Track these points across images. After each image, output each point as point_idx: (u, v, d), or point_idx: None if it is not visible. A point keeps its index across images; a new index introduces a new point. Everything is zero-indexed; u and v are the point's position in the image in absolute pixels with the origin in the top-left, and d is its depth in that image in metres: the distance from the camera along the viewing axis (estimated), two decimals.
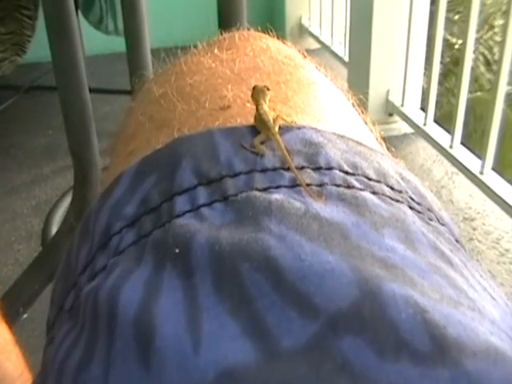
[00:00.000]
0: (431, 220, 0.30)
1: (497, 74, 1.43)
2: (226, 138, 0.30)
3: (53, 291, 0.32)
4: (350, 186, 0.28)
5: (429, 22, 1.80)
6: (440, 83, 1.76)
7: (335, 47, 2.35)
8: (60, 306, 0.30)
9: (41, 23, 1.40)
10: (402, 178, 0.31)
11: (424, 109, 1.79)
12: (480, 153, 1.54)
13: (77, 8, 2.00)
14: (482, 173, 1.51)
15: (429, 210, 0.31)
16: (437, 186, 1.64)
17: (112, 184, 0.30)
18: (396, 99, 1.89)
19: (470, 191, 1.60)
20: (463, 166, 1.57)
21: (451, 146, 1.63)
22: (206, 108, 0.34)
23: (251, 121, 0.32)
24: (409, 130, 1.89)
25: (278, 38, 0.45)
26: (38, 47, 1.77)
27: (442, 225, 0.31)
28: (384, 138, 0.39)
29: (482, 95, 2.99)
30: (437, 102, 1.75)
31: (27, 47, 2.17)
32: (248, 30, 0.45)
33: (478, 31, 1.54)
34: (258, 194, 0.27)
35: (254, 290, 0.23)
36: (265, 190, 0.28)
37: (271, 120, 0.31)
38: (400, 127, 1.92)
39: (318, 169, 0.29)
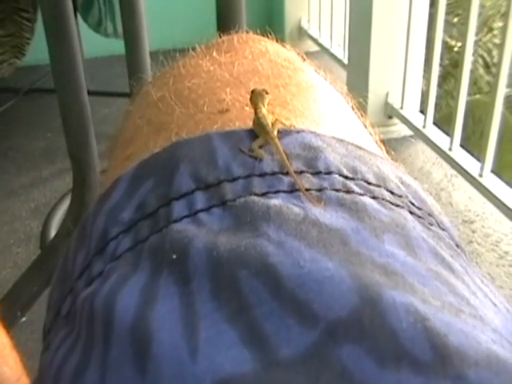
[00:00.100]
0: (432, 225, 0.29)
1: (496, 76, 1.43)
2: (225, 142, 0.30)
3: (49, 296, 0.31)
4: (349, 191, 0.28)
5: (428, 25, 1.80)
6: (439, 86, 1.76)
7: (334, 50, 2.35)
8: (57, 311, 0.30)
9: (40, 26, 1.40)
10: (402, 183, 0.31)
11: (423, 111, 1.79)
12: (479, 155, 1.54)
13: (76, 11, 2.00)
14: (481, 175, 1.51)
15: (429, 214, 0.30)
16: (436, 188, 1.64)
17: (109, 188, 0.30)
18: (395, 102, 1.89)
19: (469, 194, 1.60)
20: (462, 168, 1.57)
21: (450, 149, 1.63)
22: (205, 111, 0.34)
23: (250, 124, 0.32)
24: (408, 132, 1.89)
25: (277, 40, 0.44)
26: (37, 50, 1.77)
27: (443, 230, 0.30)
28: (383, 141, 0.39)
29: (481, 98, 2.98)
30: (436, 105, 1.75)
31: (26, 50, 2.17)
32: (247, 32, 0.44)
33: (477, 34, 1.54)
34: (256, 198, 0.27)
35: (251, 297, 0.23)
36: (263, 194, 0.27)
37: (270, 124, 0.31)
38: (399, 130, 1.92)
39: (317, 173, 0.29)
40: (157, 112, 0.36)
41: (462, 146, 1.63)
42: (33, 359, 0.30)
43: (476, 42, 1.56)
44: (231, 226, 0.26)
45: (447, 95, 3.00)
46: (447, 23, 1.75)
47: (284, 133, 0.31)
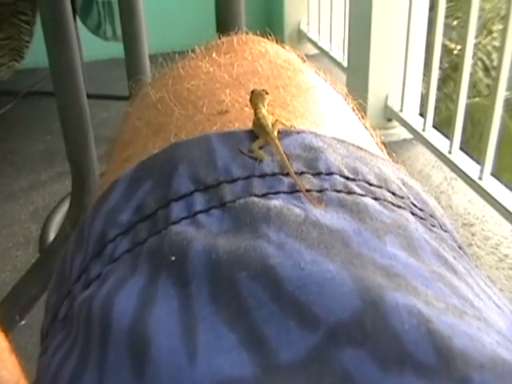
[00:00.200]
0: (434, 226, 0.29)
1: (496, 79, 1.43)
2: (224, 143, 0.30)
3: (47, 299, 0.31)
4: (350, 192, 0.28)
5: (428, 28, 1.80)
6: (439, 89, 1.76)
7: (334, 52, 2.35)
8: (54, 314, 0.29)
9: (39, 28, 1.40)
10: (404, 184, 0.30)
11: (423, 114, 1.79)
12: (478, 158, 1.54)
13: (75, 14, 2.00)
14: (480, 178, 1.51)
15: (431, 216, 0.30)
16: (436, 191, 1.64)
17: (107, 190, 0.30)
18: (395, 105, 1.89)
19: (468, 197, 1.60)
20: (462, 171, 1.57)
21: (450, 152, 1.63)
22: (204, 113, 0.34)
23: (249, 125, 0.32)
24: (408, 135, 1.89)
25: (276, 41, 0.44)
26: (36, 53, 1.77)
27: (445, 231, 0.30)
28: (383, 144, 0.38)
29: (480, 101, 2.99)
30: (435, 108, 1.75)
31: (25, 53, 2.17)
32: (246, 33, 0.44)
33: (476, 36, 1.54)
34: (256, 200, 0.27)
35: (251, 300, 0.22)
36: (263, 196, 0.27)
37: (270, 124, 0.31)
38: (399, 133, 1.91)
39: (317, 174, 0.28)
40: (156, 113, 0.36)
41: (461, 148, 1.63)
42: (32, 362, 0.30)
43: (475, 45, 1.55)
44: (230, 227, 0.26)
45: (447, 98, 3.00)
46: (447, 26, 1.75)
47: (284, 133, 0.31)
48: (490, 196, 1.46)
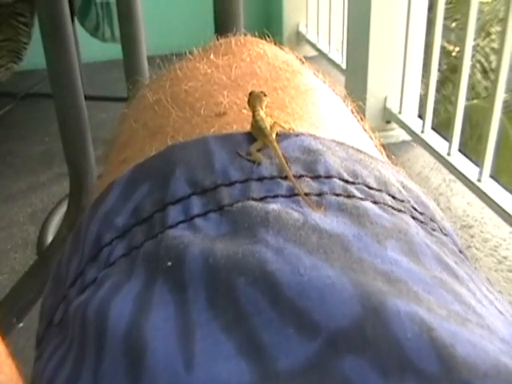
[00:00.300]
0: (434, 230, 0.29)
1: (494, 81, 1.43)
2: (222, 146, 0.29)
3: (42, 303, 0.31)
4: (350, 196, 0.27)
5: (426, 30, 1.80)
6: (437, 90, 1.76)
7: (332, 54, 2.35)
8: (49, 319, 0.29)
9: (37, 30, 1.40)
10: (404, 187, 0.30)
11: (422, 116, 1.78)
12: (477, 160, 1.54)
13: (73, 15, 1.99)
14: (479, 180, 1.51)
15: (431, 219, 0.30)
16: (434, 193, 1.64)
17: (103, 193, 0.29)
18: (394, 106, 1.88)
19: (467, 199, 1.60)
20: (461, 173, 1.57)
21: (449, 154, 1.63)
22: (201, 115, 0.34)
23: (247, 128, 0.31)
24: (406, 137, 1.89)
25: (275, 43, 0.44)
26: (35, 54, 1.77)
27: (445, 235, 0.30)
28: (382, 146, 0.38)
29: (479, 103, 2.99)
30: (434, 110, 1.75)
31: (23, 54, 2.17)
32: (245, 35, 0.44)
33: (474, 38, 1.54)
34: (254, 203, 0.26)
35: (249, 306, 0.22)
36: (261, 199, 0.27)
37: (268, 127, 0.30)
38: (398, 134, 1.91)
39: (316, 177, 0.28)
40: (153, 115, 0.36)
41: (460, 150, 1.63)
42: (29, 366, 0.30)
43: (474, 47, 1.55)
44: (228, 231, 0.25)
45: (445, 100, 3.01)
46: (445, 28, 1.75)
47: (283, 136, 0.31)
48: (489, 198, 1.46)
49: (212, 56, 0.40)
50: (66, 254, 0.30)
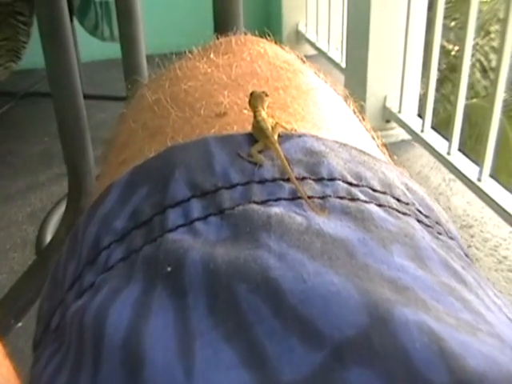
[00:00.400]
0: (440, 234, 0.28)
1: (494, 81, 1.43)
2: (222, 147, 0.29)
3: (39, 306, 0.30)
4: (354, 199, 0.27)
5: (426, 29, 1.79)
6: (436, 90, 1.76)
7: (332, 53, 2.34)
8: (46, 323, 0.28)
9: (36, 29, 1.39)
10: (408, 189, 0.29)
11: (421, 115, 1.78)
12: (476, 159, 1.54)
13: (72, 14, 1.99)
14: (479, 180, 1.50)
15: (437, 223, 0.29)
16: (434, 193, 1.64)
17: (101, 195, 0.29)
18: (393, 106, 1.88)
19: (467, 198, 1.59)
20: (461, 172, 1.57)
21: (449, 153, 1.63)
22: (201, 115, 0.33)
23: (249, 128, 0.31)
24: (406, 136, 1.88)
25: (275, 42, 0.43)
26: (34, 53, 1.76)
27: (451, 238, 0.29)
28: (384, 146, 0.38)
29: (478, 102, 2.99)
30: (433, 109, 1.75)
31: (22, 53, 2.16)
32: (245, 34, 0.43)
33: (474, 38, 1.53)
34: (256, 207, 0.26)
35: (251, 315, 0.21)
36: (263, 202, 0.26)
37: (270, 127, 0.30)
38: (397, 134, 1.91)
39: (319, 180, 0.27)
40: (152, 115, 0.35)
41: (460, 150, 1.63)
42: (28, 366, 0.29)
43: (473, 46, 1.55)
44: (229, 236, 0.25)
45: (444, 99, 3.00)
46: (444, 27, 1.74)
47: (285, 137, 0.30)
48: (489, 197, 1.46)
49: (212, 55, 0.40)
50: (63, 257, 0.29)
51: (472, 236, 1.47)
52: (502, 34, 1.38)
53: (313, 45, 2.51)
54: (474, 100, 3.00)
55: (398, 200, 0.28)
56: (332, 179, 0.27)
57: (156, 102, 0.36)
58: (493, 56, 3.13)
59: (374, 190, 0.28)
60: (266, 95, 0.32)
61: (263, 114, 0.31)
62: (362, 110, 0.40)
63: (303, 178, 0.27)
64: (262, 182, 0.27)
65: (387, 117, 1.91)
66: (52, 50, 1.21)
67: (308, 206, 0.26)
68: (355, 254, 0.24)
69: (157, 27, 2.23)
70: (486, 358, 0.20)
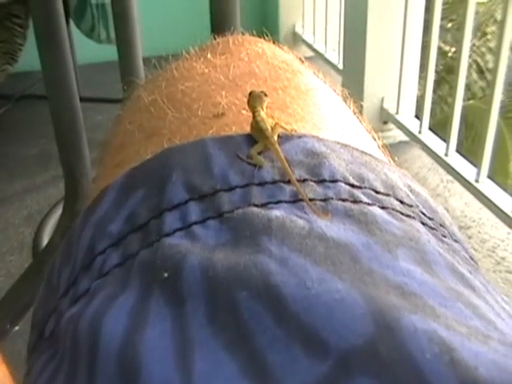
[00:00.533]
0: (445, 237, 0.27)
1: (492, 81, 1.43)
2: (220, 148, 0.28)
3: (33, 313, 0.29)
4: (356, 201, 0.26)
5: (423, 30, 1.79)
6: (433, 91, 1.76)
7: (329, 55, 2.34)
8: (41, 330, 0.27)
9: (32, 32, 1.39)
10: (411, 191, 0.29)
11: (419, 117, 1.78)
12: (473, 160, 1.54)
13: (68, 17, 1.98)
14: (477, 181, 1.50)
15: (441, 225, 0.28)
16: (432, 194, 1.62)
17: (97, 198, 0.28)
18: (391, 107, 1.88)
19: (465, 199, 1.59)
20: (458, 174, 1.57)
21: (446, 154, 1.63)
22: (199, 116, 0.32)
23: (247, 129, 0.30)
24: (404, 137, 1.88)
25: (273, 42, 0.43)
26: (30, 56, 1.76)
27: (456, 241, 0.28)
28: (384, 147, 0.37)
29: (475, 103, 2.99)
30: (430, 110, 1.75)
31: (18, 56, 2.16)
32: (242, 34, 0.43)
33: (471, 39, 1.53)
34: (256, 210, 0.25)
35: (252, 323, 0.20)
36: (263, 205, 0.25)
37: (269, 128, 0.29)
38: (395, 135, 1.91)
39: (321, 182, 0.27)
40: (148, 117, 0.34)
41: (457, 151, 1.63)
42: (25, 369, 0.28)
43: (470, 47, 1.55)
44: (229, 240, 0.24)
45: (441, 101, 3.01)
46: (441, 28, 1.74)
47: (285, 138, 0.29)
48: (487, 198, 1.46)
49: (209, 55, 0.39)
50: (57, 262, 0.28)
51: (470, 237, 1.47)
52: (500, 36, 1.38)
53: (310, 46, 2.51)
54: (471, 101, 3.01)
55: (402, 202, 0.27)
56: (334, 181, 0.27)
57: (152, 102, 0.35)
58: (489, 57, 3.14)
59: (377, 192, 0.27)
60: (265, 95, 0.32)
61: (262, 114, 0.30)
62: (360, 110, 0.39)
63: (304, 180, 0.27)
64: (261, 184, 0.26)
65: (385, 118, 1.91)
66: (48, 53, 1.20)
67: (310, 208, 0.25)
68: (359, 258, 0.23)
69: (153, 29, 2.22)
70: (498, 367, 0.19)
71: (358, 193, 0.26)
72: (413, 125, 1.80)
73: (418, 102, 1.87)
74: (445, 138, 1.65)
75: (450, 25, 3.11)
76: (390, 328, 0.20)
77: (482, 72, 3.20)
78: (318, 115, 0.34)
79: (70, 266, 0.27)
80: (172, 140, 0.31)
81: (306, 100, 0.35)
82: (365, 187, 0.27)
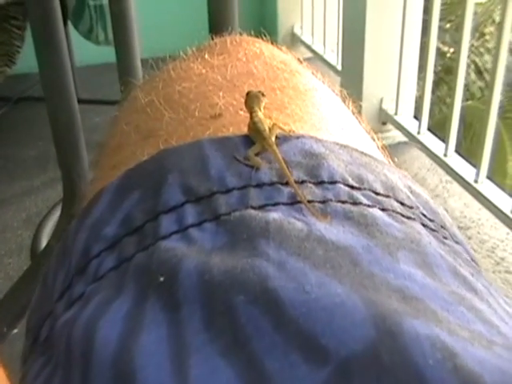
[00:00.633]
0: (446, 238, 0.27)
1: (491, 81, 1.43)
2: (217, 150, 0.28)
3: (28, 317, 0.29)
4: (356, 203, 0.25)
5: (422, 31, 1.79)
6: (432, 92, 1.76)
7: (328, 56, 2.34)
8: (35, 335, 0.27)
9: (30, 33, 1.39)
10: (412, 192, 0.28)
11: (417, 117, 1.78)
12: (471, 160, 1.53)
13: (66, 18, 1.98)
14: (476, 181, 1.50)
15: (442, 227, 0.28)
16: (431, 194, 1.61)
17: (91, 201, 0.28)
18: (389, 108, 1.88)
19: (464, 200, 1.59)
20: (458, 174, 1.57)
21: (445, 155, 1.62)
22: (196, 117, 0.32)
23: (245, 130, 0.30)
24: (402, 138, 1.88)
25: (271, 42, 0.42)
26: (28, 58, 1.75)
27: (457, 243, 0.28)
28: (384, 148, 0.37)
29: (473, 104, 3.00)
30: (429, 111, 1.74)
31: (16, 58, 2.16)
32: (240, 34, 0.42)
33: (469, 39, 1.53)
34: (253, 212, 0.24)
35: (250, 328, 0.20)
36: (261, 207, 0.25)
37: (267, 129, 0.29)
38: (394, 136, 1.90)
39: (320, 183, 0.26)
40: (145, 118, 0.34)
41: (456, 151, 1.63)
42: None
43: (468, 48, 1.55)
44: (225, 243, 0.23)
45: (440, 101, 3.01)
46: (440, 29, 1.74)
47: (283, 139, 0.29)
48: (486, 199, 1.46)
49: (207, 56, 0.39)
50: (52, 265, 0.28)
51: (469, 238, 1.47)
52: (498, 36, 1.38)
53: (308, 47, 2.51)
54: (469, 102, 3.01)
55: (402, 203, 0.27)
56: (333, 182, 0.26)
57: (149, 103, 0.35)
58: (488, 57, 3.14)
59: (377, 194, 0.27)
60: (263, 95, 0.31)
61: (260, 114, 0.30)
62: (358, 111, 0.39)
63: (303, 182, 0.26)
64: (259, 185, 0.26)
65: (383, 119, 1.91)
66: (45, 54, 1.20)
67: (308, 211, 0.25)
68: (360, 262, 0.22)
69: (151, 30, 2.22)
70: (503, 374, 0.19)
71: (357, 194, 0.26)
72: (412, 125, 1.80)
73: (416, 102, 1.87)
74: (444, 138, 1.65)
75: (448, 25, 3.11)
76: (392, 333, 0.19)
77: (480, 72, 3.20)
78: (316, 116, 0.33)
79: (65, 269, 0.27)
80: (169, 141, 0.30)
81: (304, 100, 0.34)
82: (364, 188, 0.26)
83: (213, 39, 0.42)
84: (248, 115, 0.30)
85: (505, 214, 1.40)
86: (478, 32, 3.20)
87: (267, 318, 0.20)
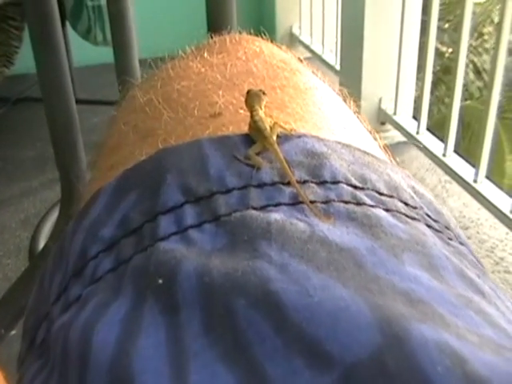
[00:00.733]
0: (451, 239, 0.26)
1: (490, 81, 1.42)
2: (217, 149, 0.27)
3: (25, 320, 0.28)
4: (359, 203, 0.25)
5: (420, 31, 1.79)
6: (430, 92, 1.76)
7: (326, 56, 2.33)
8: (32, 338, 0.26)
9: (28, 34, 1.38)
10: (415, 192, 0.28)
11: (416, 117, 1.78)
12: (469, 160, 1.53)
13: (64, 19, 1.98)
14: (475, 181, 1.50)
15: (446, 227, 0.27)
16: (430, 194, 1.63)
17: (89, 202, 0.27)
18: (388, 108, 1.88)
19: (463, 200, 1.59)
20: (457, 174, 1.56)
21: (444, 155, 1.62)
22: (195, 116, 0.31)
23: (245, 129, 0.29)
24: (401, 138, 1.88)
25: (271, 41, 0.42)
26: (26, 58, 1.75)
27: (462, 244, 0.27)
28: (385, 147, 0.36)
29: (472, 103, 2.99)
30: (428, 111, 1.74)
31: (14, 58, 2.15)
32: (240, 33, 0.42)
33: (468, 39, 1.53)
34: (254, 213, 0.24)
35: (251, 333, 0.19)
36: (262, 208, 0.24)
37: (268, 128, 0.28)
38: (392, 136, 1.90)
39: (322, 183, 0.26)
40: (143, 117, 0.34)
41: (455, 151, 1.62)
42: None
43: (467, 48, 1.55)
44: (225, 245, 0.23)
45: (438, 101, 3.01)
46: (438, 29, 1.74)
47: (284, 138, 0.28)
48: (485, 199, 1.45)
49: (206, 54, 0.38)
50: (49, 267, 0.28)
51: (468, 238, 1.47)
52: (497, 36, 1.38)
53: (307, 47, 2.50)
54: (468, 102, 3.01)
55: (406, 204, 0.26)
56: (335, 182, 0.26)
57: (148, 102, 0.34)
58: (486, 57, 3.14)
59: (381, 194, 0.26)
60: (264, 94, 0.31)
61: (261, 113, 0.29)
62: (358, 111, 0.39)
63: (304, 182, 0.26)
64: (260, 185, 0.25)
65: (382, 119, 1.90)
66: (43, 55, 1.20)
67: (311, 211, 0.24)
68: (364, 264, 0.22)
69: (150, 30, 2.22)
70: None
71: (360, 194, 0.25)
72: (410, 125, 1.80)
73: (415, 102, 1.87)
74: (442, 138, 1.65)
75: (447, 25, 3.11)
76: (398, 338, 0.18)
77: (479, 72, 3.20)
78: (317, 114, 0.33)
79: (62, 271, 0.26)
80: (167, 141, 0.30)
81: (305, 99, 0.34)
82: (367, 188, 0.26)
83: (212, 38, 0.42)
84: (248, 114, 0.30)
85: (504, 214, 1.40)
86: (477, 32, 3.19)
87: (268, 322, 0.19)
